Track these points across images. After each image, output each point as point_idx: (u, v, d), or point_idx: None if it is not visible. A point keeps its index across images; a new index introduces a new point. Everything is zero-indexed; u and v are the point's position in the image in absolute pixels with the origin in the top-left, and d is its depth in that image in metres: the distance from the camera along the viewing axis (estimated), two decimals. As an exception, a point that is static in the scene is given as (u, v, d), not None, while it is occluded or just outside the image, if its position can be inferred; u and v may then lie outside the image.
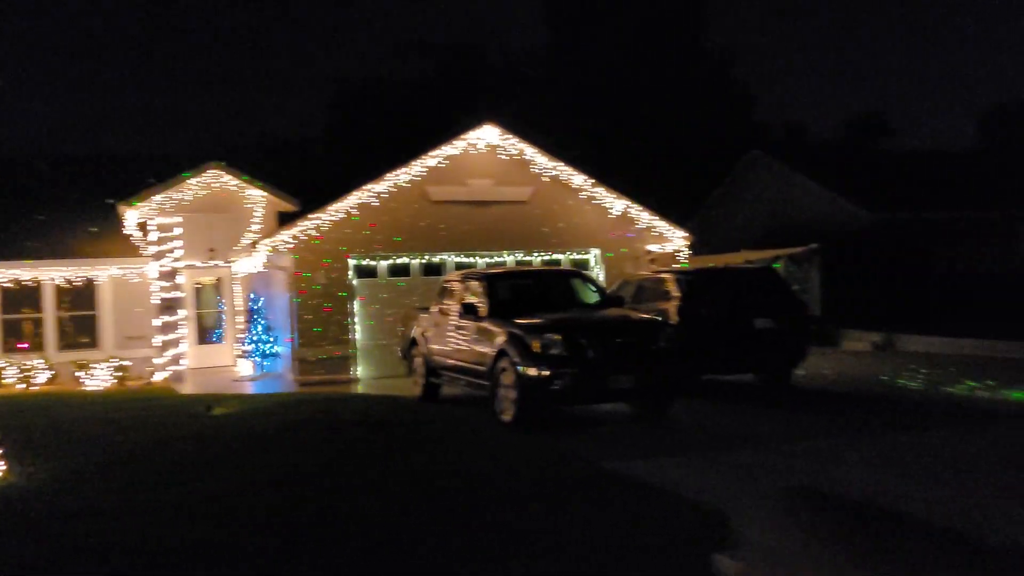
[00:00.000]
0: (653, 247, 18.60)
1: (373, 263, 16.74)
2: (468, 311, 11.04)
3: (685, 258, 18.56)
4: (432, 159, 16.61)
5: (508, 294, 11.39)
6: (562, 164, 17.57)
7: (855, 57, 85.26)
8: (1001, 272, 25.70)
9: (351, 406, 11.22)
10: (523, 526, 6.00)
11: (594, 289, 11.75)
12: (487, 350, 10.45)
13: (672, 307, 12.56)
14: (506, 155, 17.28)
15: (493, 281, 11.26)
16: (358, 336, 16.36)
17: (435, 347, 12.30)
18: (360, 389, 14.98)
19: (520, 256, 17.71)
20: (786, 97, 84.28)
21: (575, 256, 18.22)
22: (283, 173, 32.91)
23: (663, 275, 13.44)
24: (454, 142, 16.82)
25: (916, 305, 22.61)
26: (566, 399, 9.75)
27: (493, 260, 17.47)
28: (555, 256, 18.08)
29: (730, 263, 20.00)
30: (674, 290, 12.76)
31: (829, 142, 47.19)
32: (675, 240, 18.43)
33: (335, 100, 43.38)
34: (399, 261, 16.90)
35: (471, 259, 17.29)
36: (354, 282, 16.44)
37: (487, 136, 17.11)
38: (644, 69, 38.52)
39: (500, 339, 10.13)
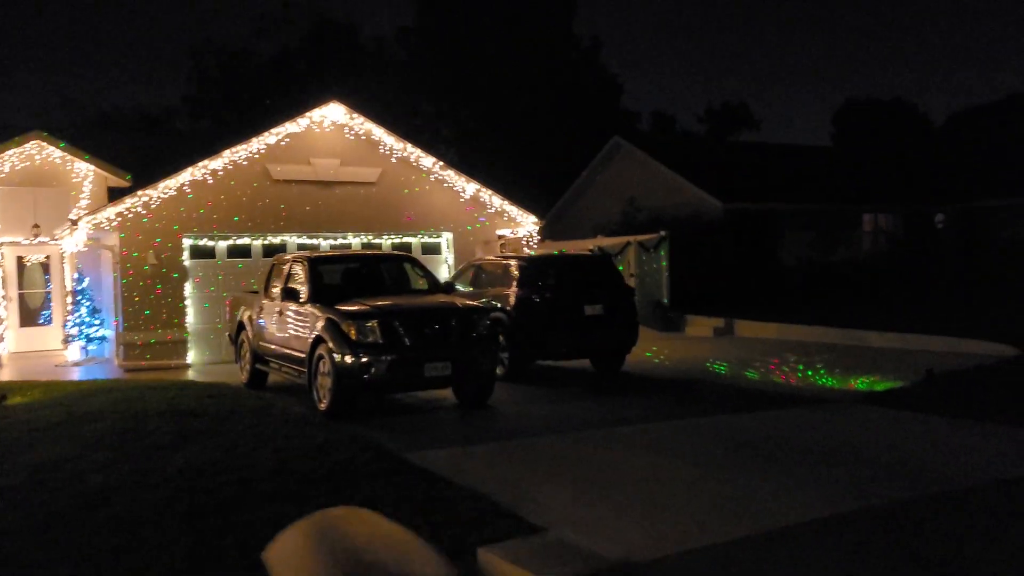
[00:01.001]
0: (505, 231, 18.58)
1: (211, 243, 16.03)
2: (290, 295, 10.66)
3: (536, 243, 18.63)
4: (273, 136, 16.02)
5: (333, 278, 11.07)
6: (411, 145, 17.28)
7: (727, 52, 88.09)
8: (846, 261, 27.07)
9: (163, 394, 10.67)
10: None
11: (422, 274, 11.56)
12: (306, 336, 10.14)
13: (507, 293, 12.55)
14: (353, 135, 16.85)
15: (316, 264, 10.91)
16: (192, 320, 15.65)
17: (260, 332, 11.88)
18: (191, 375, 14.34)
19: (369, 239, 17.36)
20: (658, 88, 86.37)
21: (426, 239, 18.00)
22: (127, 146, 31.24)
23: (501, 261, 13.41)
24: (297, 120, 16.27)
25: (763, 292, 23.52)
26: (382, 387, 9.54)
27: (338, 242, 17.06)
28: (406, 239, 17.82)
29: (584, 248, 20.22)
30: (510, 276, 12.75)
31: (694, 132, 48.61)
32: (526, 224, 18.45)
33: (195, 72, 41.59)
34: (239, 242, 16.24)
35: (315, 241, 16.83)
36: (187, 263, 15.69)
37: (333, 115, 16.63)
38: (513, 53, 38.48)
39: (319, 325, 9.83)
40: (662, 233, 20.60)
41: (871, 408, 9.61)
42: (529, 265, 12.65)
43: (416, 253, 17.84)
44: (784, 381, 11.82)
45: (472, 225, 18.07)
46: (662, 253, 20.39)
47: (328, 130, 16.64)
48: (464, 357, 9.74)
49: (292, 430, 8.60)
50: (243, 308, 12.72)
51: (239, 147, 15.73)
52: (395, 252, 13.28)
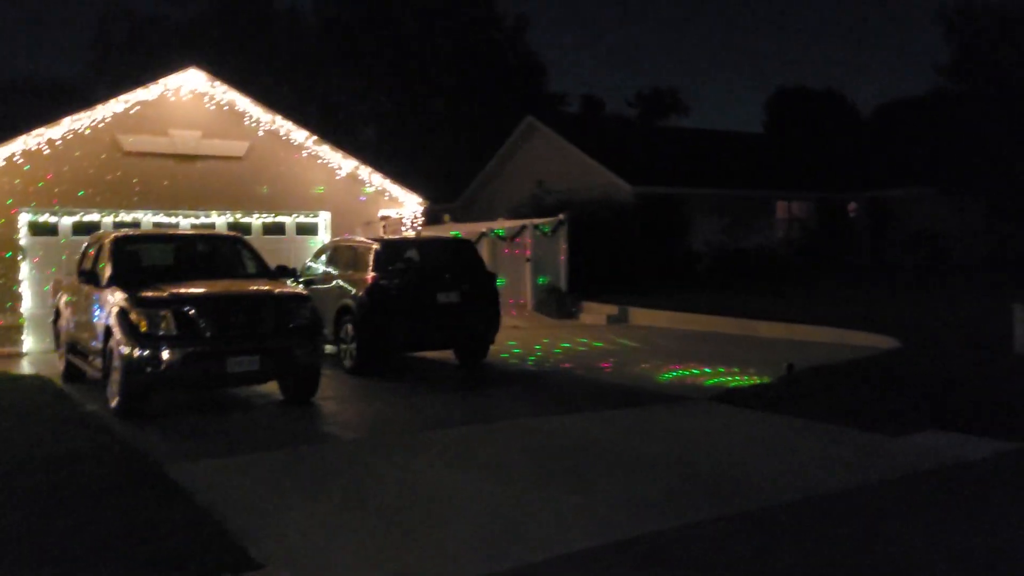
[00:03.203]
0: (391, 212, 17.53)
1: (53, 220, 14.67)
2: (89, 278, 9.50)
3: (420, 224, 17.61)
4: (121, 104, 14.67)
5: (142, 260, 9.92)
6: (280, 118, 16.06)
7: (666, 38, 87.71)
8: (757, 248, 26.56)
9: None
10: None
11: (250, 257, 10.44)
12: (101, 324, 9.00)
13: (359, 278, 11.53)
14: (215, 104, 15.58)
15: (122, 244, 9.74)
16: (29, 304, 14.31)
17: (71, 318, 10.67)
18: (24, 365, 13.02)
19: (237, 218, 16.14)
20: (597, 73, 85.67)
21: (302, 219, 16.85)
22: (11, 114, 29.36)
23: (356, 243, 12.40)
24: (149, 86, 14.94)
25: (670, 278, 22.80)
26: (176, 384, 8.45)
27: (201, 221, 15.83)
28: (279, 219, 16.65)
29: (476, 231, 19.26)
30: (363, 260, 11.74)
31: (624, 116, 47.84)
32: (411, 204, 17.41)
33: (98, 38, 39.47)
34: (86, 219, 14.89)
35: (174, 219, 15.56)
36: (24, 241, 14.32)
37: (192, 82, 15.33)
38: (433, 30, 37.20)
39: (113, 312, 8.69)
40: (560, 216, 19.72)
41: (721, 407, 8.84)
42: (382, 248, 11.62)
43: (291, 233, 16.75)
44: (648, 375, 11.03)
45: (353, 205, 16.97)
46: (560, 237, 19.51)
47: (186, 98, 15.34)
48: (276, 350, 8.70)
49: (53, 434, 7.48)
50: (61, 292, 11.49)
51: (81, 114, 14.37)
52: (221, 232, 12.10)
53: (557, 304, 18.95)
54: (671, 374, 11.07)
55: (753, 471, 6.51)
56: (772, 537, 5.15)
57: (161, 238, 10.89)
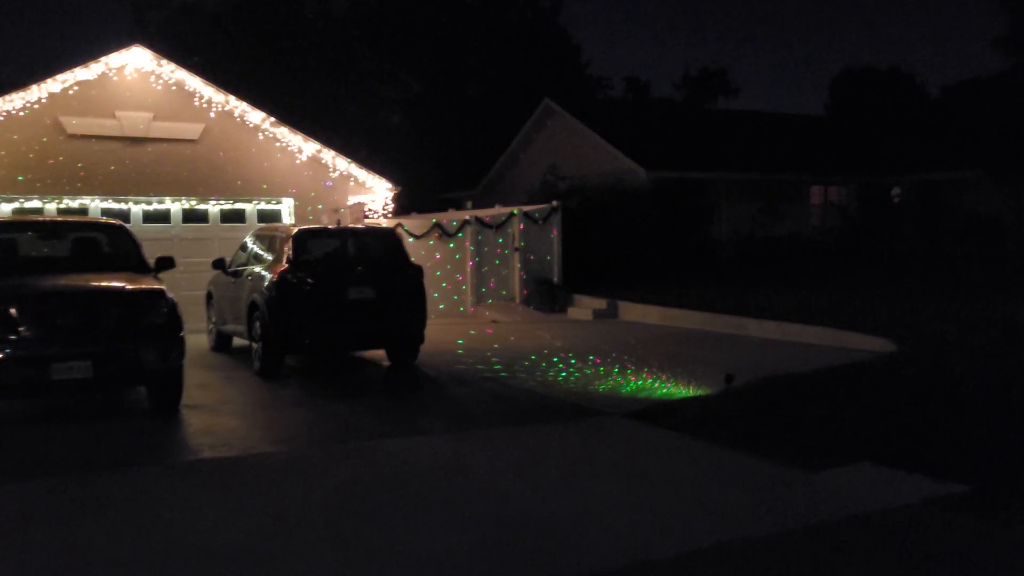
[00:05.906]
0: (364, 198, 16.40)
1: (-6, 206, 13.98)
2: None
3: (391, 211, 16.43)
4: (58, 84, 13.82)
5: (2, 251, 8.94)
6: (235, 99, 15.03)
7: (726, 18, 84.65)
8: (790, 236, 24.69)
9: None
10: None
11: (130, 248, 9.31)
12: (-63, 323, 8.04)
13: (270, 271, 10.41)
14: (162, 84, 14.64)
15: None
16: (-36, 295, 13.61)
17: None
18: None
19: (192, 204, 15.23)
20: (648, 54, 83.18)
21: (264, 206, 15.84)
22: None
23: (272, 232, 11.29)
24: (89, 65, 14.05)
25: (687, 268, 21.11)
26: (-8, 392, 7.42)
27: (153, 207, 14.96)
28: (239, 205, 15.68)
29: (460, 218, 17.97)
30: (277, 251, 10.62)
31: (670, 99, 45.79)
32: (380, 191, 16.24)
33: (135, 28, 39.27)
34: (28, 205, 14.15)
35: (124, 205, 14.72)
36: (-42, 229, 13.64)
37: (137, 61, 14.41)
38: (469, 8, 35.95)
39: (-60, 310, 7.71)
40: (553, 203, 18.33)
41: (630, 426, 7.42)
42: (296, 239, 10.45)
43: (252, 221, 15.75)
44: (586, 382, 9.63)
45: (319, 191, 15.89)
46: (553, 225, 18.10)
47: (132, 78, 14.43)
48: (117, 354, 7.60)
49: None
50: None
51: (13, 95, 13.57)
52: (100, 220, 11.01)
53: (547, 297, 17.60)
54: (612, 382, 9.64)
55: (604, 518, 5.16)
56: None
57: (28, 226, 9.90)
